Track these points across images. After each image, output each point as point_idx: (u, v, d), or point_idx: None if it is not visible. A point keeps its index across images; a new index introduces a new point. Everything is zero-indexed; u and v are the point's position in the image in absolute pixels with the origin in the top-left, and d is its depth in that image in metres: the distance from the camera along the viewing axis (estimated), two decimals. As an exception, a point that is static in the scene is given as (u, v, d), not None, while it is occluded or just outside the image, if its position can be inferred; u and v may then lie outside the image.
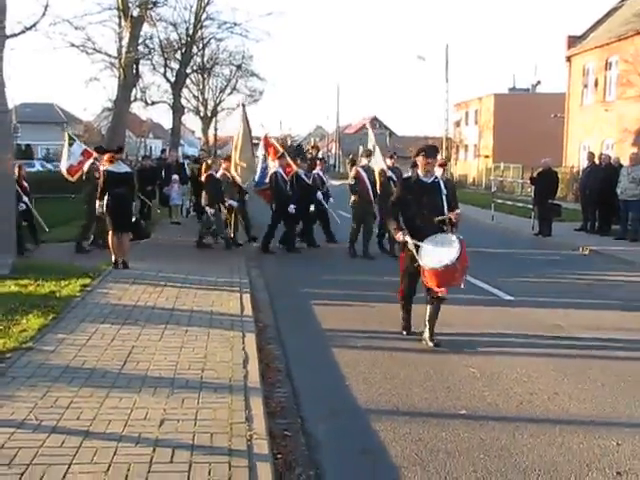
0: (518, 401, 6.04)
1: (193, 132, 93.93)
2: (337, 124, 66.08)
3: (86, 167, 14.56)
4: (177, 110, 38.24)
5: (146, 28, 25.43)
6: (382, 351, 7.54)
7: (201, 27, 35.96)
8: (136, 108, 35.08)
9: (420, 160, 7.76)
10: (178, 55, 36.89)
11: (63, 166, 15.23)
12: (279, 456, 4.80)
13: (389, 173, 14.43)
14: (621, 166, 18.77)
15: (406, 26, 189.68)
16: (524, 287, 11.06)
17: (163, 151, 28.08)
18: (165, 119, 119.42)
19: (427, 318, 7.80)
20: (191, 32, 35.54)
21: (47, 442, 4.73)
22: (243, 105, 16.60)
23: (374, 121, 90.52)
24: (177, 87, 37.95)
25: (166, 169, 20.17)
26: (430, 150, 7.84)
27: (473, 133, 54.22)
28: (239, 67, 49.57)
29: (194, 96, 59.53)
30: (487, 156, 48.10)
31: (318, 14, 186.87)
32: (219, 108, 63.15)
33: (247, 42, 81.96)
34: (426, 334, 7.80)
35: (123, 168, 11.78)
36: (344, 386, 6.40)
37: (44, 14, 12.76)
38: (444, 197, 7.67)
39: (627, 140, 28.51)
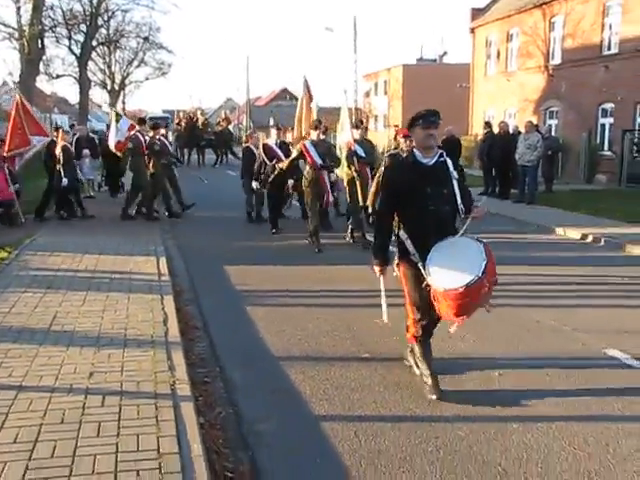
0: (415, 344, 6.73)
1: (100, 107, 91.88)
2: (247, 96, 65.83)
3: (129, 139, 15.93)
4: (83, 84, 37.66)
5: (48, -1, 24.94)
6: (293, 307, 8.15)
7: (106, -2, 35.43)
8: (39, 82, 34.32)
9: (417, 132, 5.42)
10: (83, 27, 36.28)
11: (112, 142, 16.41)
12: (200, 398, 5.33)
13: (354, 147, 12.17)
14: (520, 133, 19.88)
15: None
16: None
17: (72, 126, 27.71)
18: (70, 93, 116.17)
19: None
20: (95, 3, 34.94)
21: (-18, 397, 5.12)
22: (305, 77, 15.25)
23: (284, 92, 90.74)
24: (83, 60, 37.37)
25: (76, 144, 20.05)
26: (429, 116, 5.39)
27: (382, 103, 55.23)
28: (146, 39, 48.99)
29: (100, 69, 58.47)
30: (397, 126, 49.20)
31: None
32: (127, 81, 62.23)
33: (154, 14, 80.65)
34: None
35: None
36: (258, 338, 6.97)
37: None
38: (455, 183, 5.42)
39: (528, 109, 29.90)
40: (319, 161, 11.84)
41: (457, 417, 5.07)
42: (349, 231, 12.87)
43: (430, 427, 4.88)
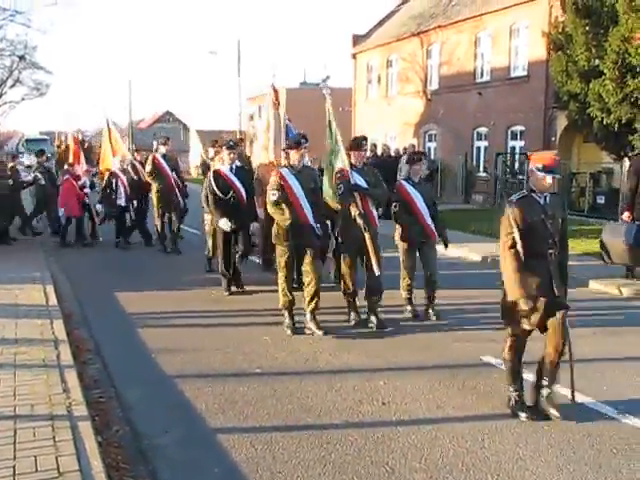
0: (305, 359, 7.05)
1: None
2: (130, 119, 64.96)
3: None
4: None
5: None
6: (182, 328, 8.31)
7: (-25, 13, 34.04)
8: None
9: None
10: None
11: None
12: (97, 418, 5.38)
13: (353, 178, 8.09)
14: (401, 155, 20.78)
15: (197, 21, 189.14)
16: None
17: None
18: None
19: None
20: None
21: None
22: (273, 86, 11.92)
23: (167, 115, 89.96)
24: (-49, 76, 35.72)
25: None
26: None
27: (268, 126, 55.73)
28: (22, 58, 47.36)
29: (-31, 87, 55.98)
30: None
31: (109, 6, 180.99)
32: (1, 102, 59.86)
33: (31, 32, 77.94)
34: None
35: None
36: (151, 358, 7.06)
37: None
38: None
39: (408, 132, 31.06)
40: (315, 224, 8.04)
41: (346, 424, 5.38)
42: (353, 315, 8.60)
43: (321, 434, 5.16)
